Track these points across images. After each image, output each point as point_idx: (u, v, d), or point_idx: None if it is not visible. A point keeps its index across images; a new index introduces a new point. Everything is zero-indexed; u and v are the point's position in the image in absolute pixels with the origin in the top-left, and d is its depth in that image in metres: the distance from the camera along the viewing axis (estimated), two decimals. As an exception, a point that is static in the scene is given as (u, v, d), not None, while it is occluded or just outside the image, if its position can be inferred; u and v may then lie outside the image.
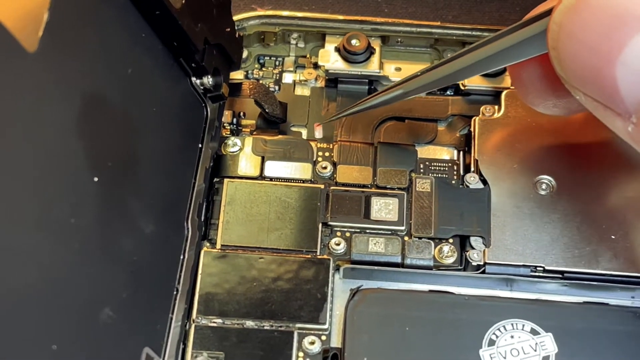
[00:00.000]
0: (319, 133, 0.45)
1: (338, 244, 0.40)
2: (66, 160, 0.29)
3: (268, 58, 0.48)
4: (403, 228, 0.41)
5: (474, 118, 0.43)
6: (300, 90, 0.47)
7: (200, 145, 0.41)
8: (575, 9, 0.29)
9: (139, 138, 0.35)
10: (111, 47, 0.33)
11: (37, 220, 0.27)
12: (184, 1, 0.36)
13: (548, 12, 0.30)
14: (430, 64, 0.47)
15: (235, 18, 0.45)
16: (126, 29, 0.34)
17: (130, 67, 0.34)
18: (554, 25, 0.30)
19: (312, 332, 0.38)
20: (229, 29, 0.41)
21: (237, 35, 0.42)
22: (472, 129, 0.43)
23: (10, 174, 0.26)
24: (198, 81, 0.40)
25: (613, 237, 0.39)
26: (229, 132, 0.45)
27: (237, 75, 0.46)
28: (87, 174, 0.30)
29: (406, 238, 0.41)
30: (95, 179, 0.31)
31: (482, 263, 0.39)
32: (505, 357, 0.37)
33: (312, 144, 0.43)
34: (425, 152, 0.44)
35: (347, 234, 0.41)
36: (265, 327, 0.38)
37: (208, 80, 0.40)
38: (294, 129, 0.45)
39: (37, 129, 0.28)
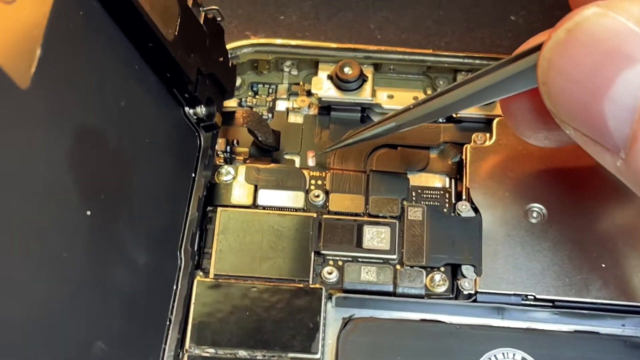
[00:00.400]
0: (312, 161, 0.45)
1: (330, 273, 0.40)
2: (58, 196, 0.29)
3: (261, 86, 0.48)
4: (395, 257, 0.41)
5: (465, 146, 0.44)
6: (293, 118, 0.47)
7: (193, 175, 0.41)
8: (564, 45, 0.29)
9: (132, 170, 0.35)
10: (104, 80, 0.33)
11: (28, 255, 0.27)
12: (176, 33, 0.36)
13: (538, 48, 0.31)
14: (423, 91, 0.48)
15: (228, 46, 0.45)
16: (119, 62, 0.34)
17: (124, 100, 0.34)
18: (544, 61, 0.30)
19: (305, 361, 0.38)
20: (222, 58, 0.41)
21: (230, 64, 0.43)
22: (463, 157, 0.43)
23: (1, 209, 0.26)
24: (191, 111, 0.40)
25: (603, 265, 0.40)
26: (222, 160, 0.45)
27: (230, 103, 0.46)
28: (79, 208, 0.30)
29: (398, 267, 0.41)
30: (88, 213, 0.31)
31: (473, 292, 0.40)
32: (496, 387, 0.38)
33: (305, 172, 0.44)
34: (417, 179, 0.44)
35: (340, 263, 0.41)
36: (258, 357, 0.38)
37: (201, 110, 0.40)
38: (287, 156, 0.45)
39: (30, 165, 0.28)
